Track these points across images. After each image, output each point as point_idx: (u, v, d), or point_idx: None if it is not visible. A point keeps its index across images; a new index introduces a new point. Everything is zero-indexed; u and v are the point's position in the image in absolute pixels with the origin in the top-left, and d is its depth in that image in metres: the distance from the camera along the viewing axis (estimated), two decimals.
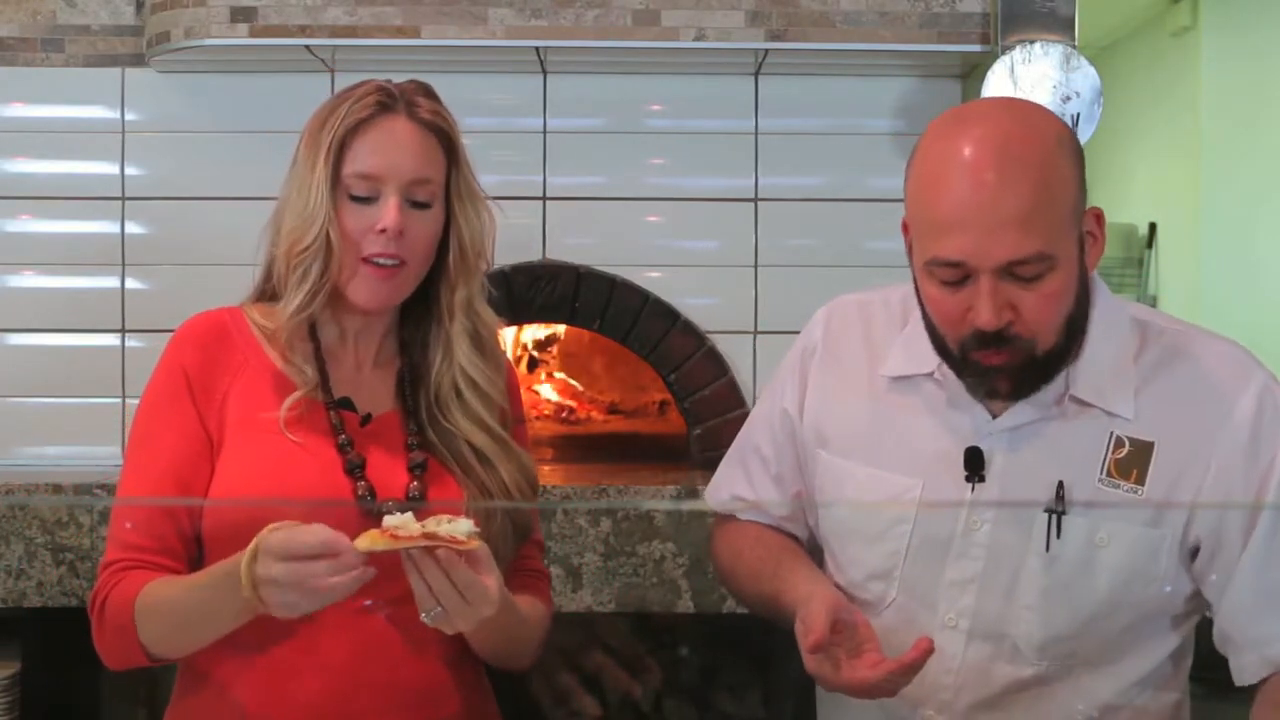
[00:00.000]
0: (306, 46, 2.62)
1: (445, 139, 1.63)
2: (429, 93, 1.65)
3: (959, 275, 1.45)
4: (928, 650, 1.43)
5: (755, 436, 1.77)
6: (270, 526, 1.41)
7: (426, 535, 1.39)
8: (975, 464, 1.54)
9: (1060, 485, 1.51)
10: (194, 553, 1.58)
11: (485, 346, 1.67)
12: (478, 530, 1.43)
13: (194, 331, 1.63)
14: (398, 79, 1.67)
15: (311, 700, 1.54)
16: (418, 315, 1.68)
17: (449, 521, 1.41)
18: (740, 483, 1.76)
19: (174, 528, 1.56)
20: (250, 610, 1.43)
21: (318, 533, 1.39)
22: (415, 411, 1.65)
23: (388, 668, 1.56)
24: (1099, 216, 1.51)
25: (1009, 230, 1.41)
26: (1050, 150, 1.46)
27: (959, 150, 1.45)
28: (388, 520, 1.40)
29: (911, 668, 1.44)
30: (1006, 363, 1.47)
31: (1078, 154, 1.50)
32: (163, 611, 1.51)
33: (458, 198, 1.64)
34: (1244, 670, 1.54)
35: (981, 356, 1.47)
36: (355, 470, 1.58)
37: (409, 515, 1.41)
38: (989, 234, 1.41)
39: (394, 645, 1.57)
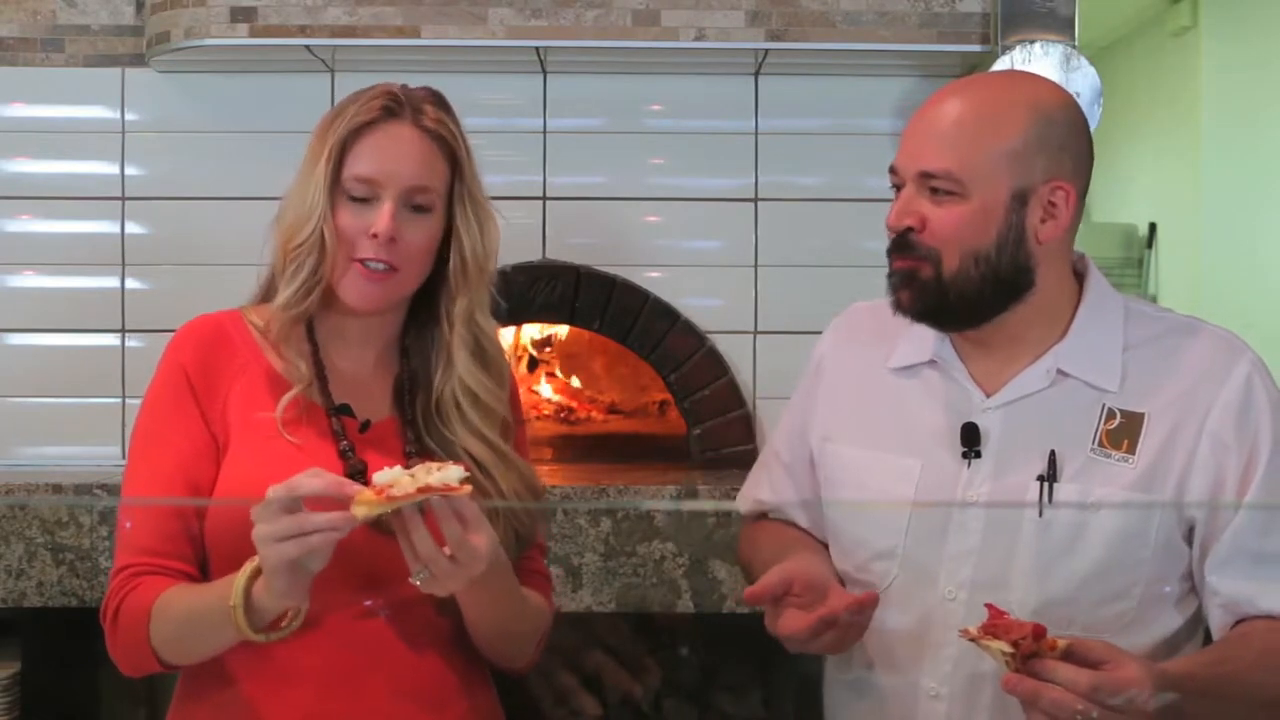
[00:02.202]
0: (306, 46, 2.62)
1: (448, 148, 1.62)
2: (439, 101, 1.64)
3: (898, 182, 1.58)
4: (869, 601, 1.49)
5: (776, 442, 1.83)
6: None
7: (419, 488, 1.37)
8: (971, 439, 1.58)
9: (1053, 454, 1.55)
10: (203, 553, 1.57)
11: (487, 358, 1.66)
12: (468, 474, 1.42)
13: (193, 334, 1.63)
14: (398, 79, 1.66)
15: (315, 704, 1.53)
16: (420, 322, 1.68)
17: (438, 469, 1.40)
18: (763, 487, 1.82)
19: (183, 529, 1.55)
20: (234, 625, 1.42)
21: (319, 476, 1.39)
22: (413, 419, 1.64)
23: (392, 671, 1.56)
24: (1068, 195, 1.55)
25: (931, 144, 1.55)
26: (1015, 102, 1.55)
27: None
28: (378, 477, 1.38)
29: (831, 621, 1.47)
30: (909, 269, 1.57)
31: (1055, 124, 1.55)
32: (174, 622, 1.50)
33: (460, 207, 1.63)
34: (1215, 630, 1.56)
35: (891, 260, 1.59)
36: (358, 476, 1.56)
37: (398, 469, 1.39)
38: (915, 145, 1.57)
39: (398, 648, 1.56)
